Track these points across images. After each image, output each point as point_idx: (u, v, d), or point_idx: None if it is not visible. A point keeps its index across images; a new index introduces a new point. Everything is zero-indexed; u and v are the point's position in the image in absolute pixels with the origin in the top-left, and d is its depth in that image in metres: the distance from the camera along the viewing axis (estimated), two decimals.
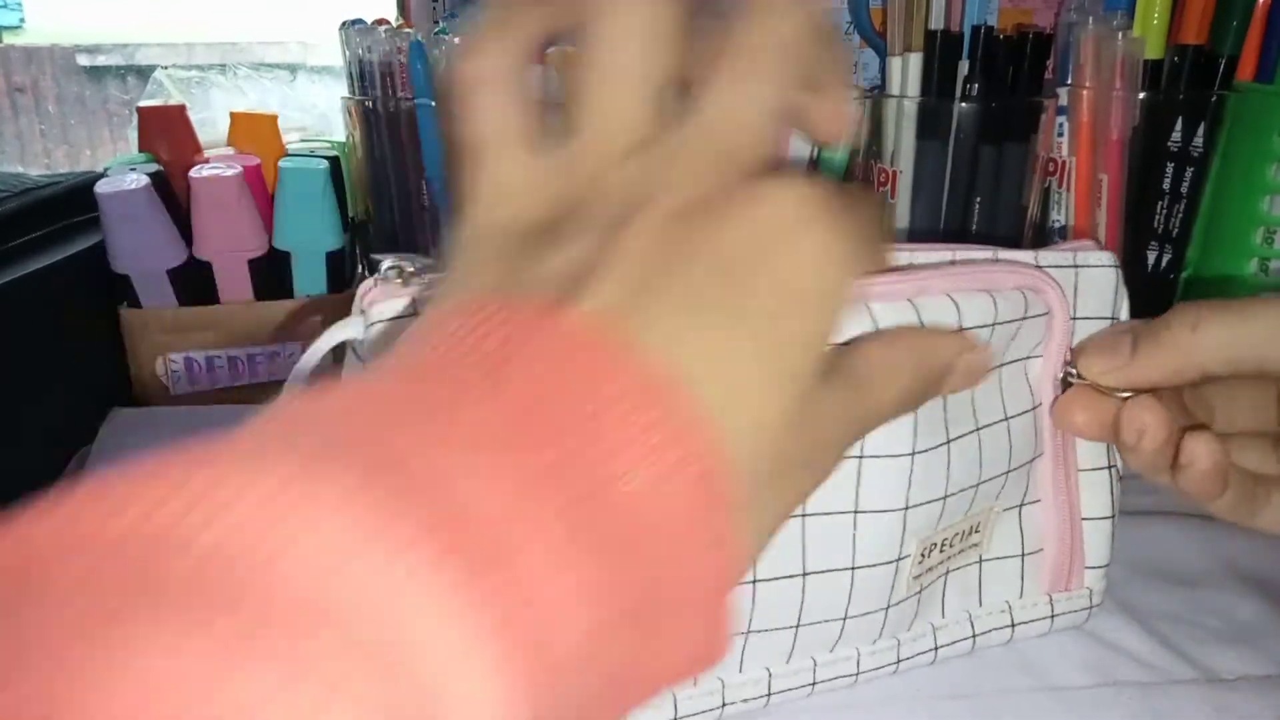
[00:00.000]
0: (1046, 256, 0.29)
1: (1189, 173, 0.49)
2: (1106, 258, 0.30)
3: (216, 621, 0.11)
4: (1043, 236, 0.52)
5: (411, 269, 0.24)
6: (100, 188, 0.45)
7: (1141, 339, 0.28)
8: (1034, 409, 0.30)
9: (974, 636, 0.31)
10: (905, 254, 0.27)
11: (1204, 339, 0.27)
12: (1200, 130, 0.48)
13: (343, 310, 0.25)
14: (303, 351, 0.24)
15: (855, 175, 0.52)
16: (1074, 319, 0.30)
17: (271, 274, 0.49)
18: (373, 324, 0.24)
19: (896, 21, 0.50)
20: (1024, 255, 0.28)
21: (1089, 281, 0.30)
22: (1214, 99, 0.48)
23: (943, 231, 0.50)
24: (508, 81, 0.20)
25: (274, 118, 0.54)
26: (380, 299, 0.24)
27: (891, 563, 0.28)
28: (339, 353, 0.25)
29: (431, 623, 0.12)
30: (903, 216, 0.51)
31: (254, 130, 0.53)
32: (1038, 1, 0.61)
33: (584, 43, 0.20)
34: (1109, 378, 0.28)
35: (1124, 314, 0.31)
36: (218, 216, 0.47)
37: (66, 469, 0.43)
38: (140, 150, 0.52)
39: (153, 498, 0.12)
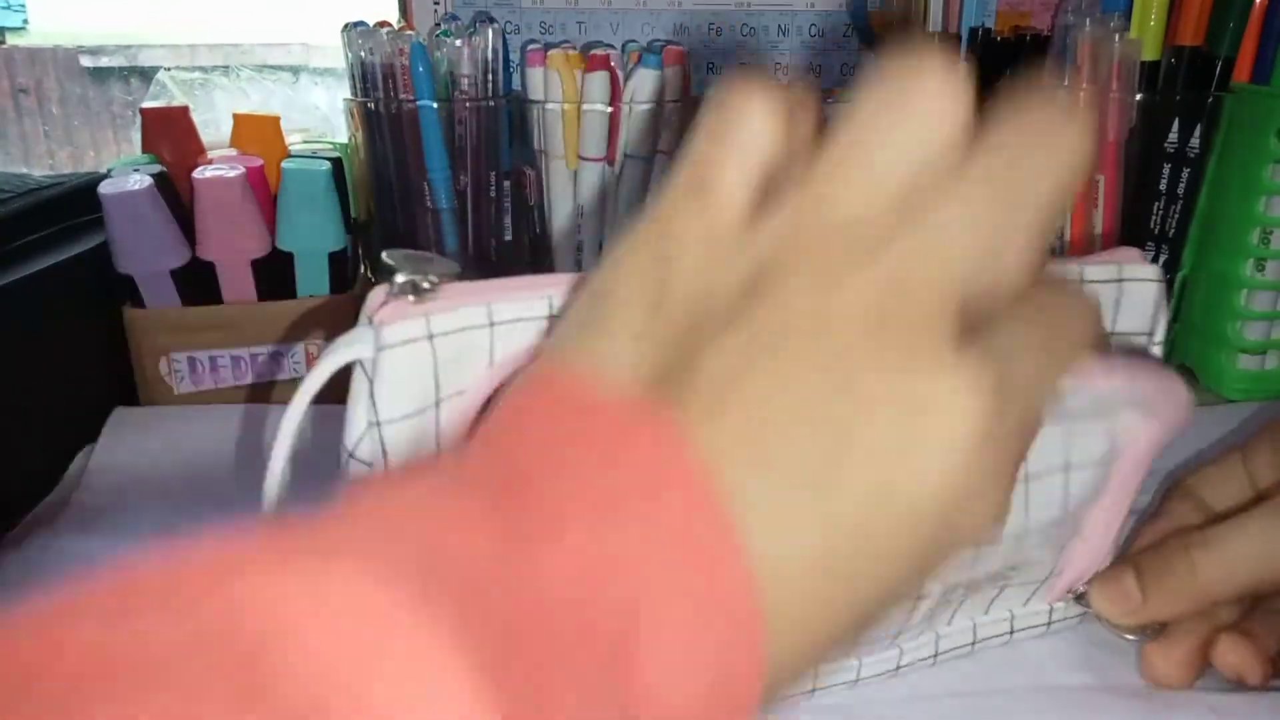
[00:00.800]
0: (1092, 270, 0.27)
1: (1185, 173, 0.49)
2: (1152, 271, 0.28)
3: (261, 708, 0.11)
4: None
5: (426, 284, 0.23)
6: (104, 189, 0.45)
7: (1147, 583, 0.30)
8: (1104, 457, 0.28)
9: (974, 643, 0.32)
10: None
11: (1203, 577, 0.29)
12: (1197, 131, 0.49)
13: (345, 311, 0.24)
14: (305, 353, 0.24)
15: None
16: (1112, 334, 0.28)
17: (274, 275, 0.49)
18: (385, 346, 0.22)
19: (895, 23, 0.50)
20: (1069, 268, 0.26)
21: (1131, 296, 0.28)
22: (1211, 100, 0.49)
23: None
24: (766, 128, 0.18)
25: (277, 119, 0.54)
26: (392, 319, 0.22)
27: (909, 603, 0.28)
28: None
29: None
30: None
31: (257, 131, 0.53)
32: (1035, 3, 0.61)
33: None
34: (1128, 620, 0.30)
35: (1160, 332, 0.29)
36: (221, 217, 0.47)
37: (69, 467, 0.44)
38: (143, 151, 0.53)
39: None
